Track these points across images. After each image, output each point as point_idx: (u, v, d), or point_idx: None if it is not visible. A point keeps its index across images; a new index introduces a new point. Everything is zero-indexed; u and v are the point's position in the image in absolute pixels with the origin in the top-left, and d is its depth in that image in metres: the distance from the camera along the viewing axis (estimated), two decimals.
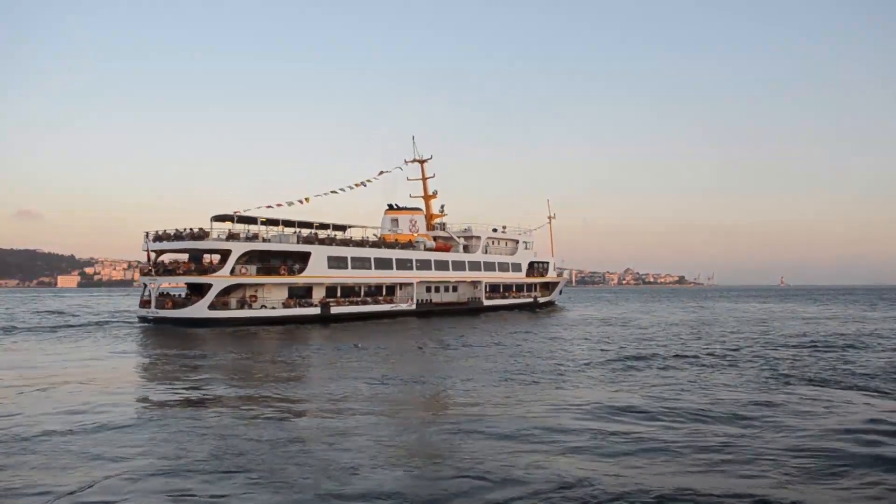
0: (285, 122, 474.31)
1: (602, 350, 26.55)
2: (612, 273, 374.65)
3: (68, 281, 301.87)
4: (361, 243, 49.05)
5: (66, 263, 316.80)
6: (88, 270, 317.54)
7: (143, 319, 41.70)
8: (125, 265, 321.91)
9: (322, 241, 46.00)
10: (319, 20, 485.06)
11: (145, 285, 42.56)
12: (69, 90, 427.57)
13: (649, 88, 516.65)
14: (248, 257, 41.34)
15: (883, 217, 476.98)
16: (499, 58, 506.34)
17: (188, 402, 15.06)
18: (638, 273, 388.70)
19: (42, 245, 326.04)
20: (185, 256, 43.95)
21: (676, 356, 23.97)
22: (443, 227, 60.08)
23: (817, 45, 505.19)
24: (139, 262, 45.09)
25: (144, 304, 41.72)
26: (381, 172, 55.50)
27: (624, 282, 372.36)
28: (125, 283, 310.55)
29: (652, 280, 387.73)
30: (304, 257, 43.85)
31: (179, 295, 42.49)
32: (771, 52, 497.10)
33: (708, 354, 24.63)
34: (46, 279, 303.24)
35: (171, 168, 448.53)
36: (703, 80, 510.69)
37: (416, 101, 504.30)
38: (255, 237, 42.55)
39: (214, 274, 40.06)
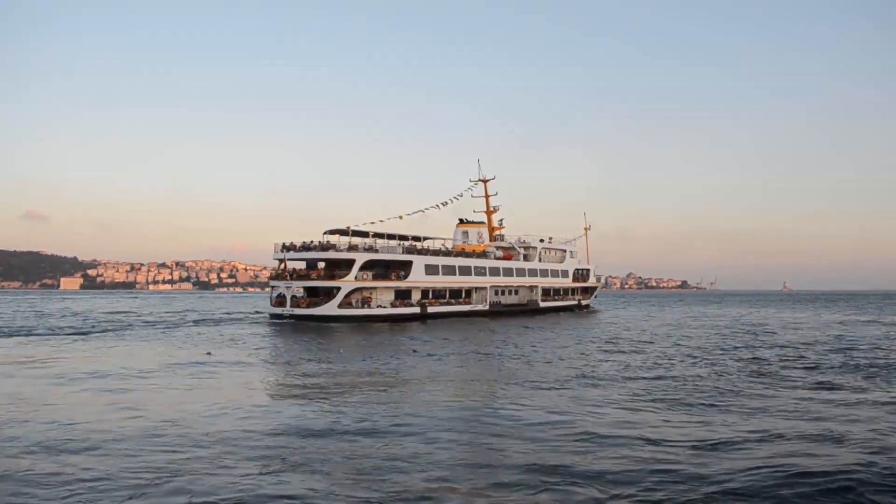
0: (292, 127, 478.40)
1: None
2: (614, 277, 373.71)
3: (71, 283, 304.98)
4: (448, 253, 57.51)
5: (69, 265, 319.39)
6: (91, 272, 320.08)
7: (275, 317, 49.03)
8: (127, 267, 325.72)
9: (420, 252, 54.32)
10: (320, 24, 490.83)
11: (273, 287, 50.86)
12: (75, 92, 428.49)
13: (652, 94, 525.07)
14: (366, 265, 49.47)
15: (887, 221, 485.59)
16: (508, 67, 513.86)
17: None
18: (640, 277, 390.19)
19: (45, 247, 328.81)
20: (301, 264, 51.98)
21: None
22: (502, 238, 68.59)
23: (820, 49, 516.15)
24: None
25: (278, 303, 49.49)
26: (461, 194, 64.71)
27: (626, 286, 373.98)
28: (127, 286, 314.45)
29: (654, 284, 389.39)
30: (406, 265, 52.08)
31: (303, 296, 50.31)
32: (776, 59, 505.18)
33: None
34: (49, 281, 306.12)
35: (176, 170, 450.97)
36: (707, 86, 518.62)
37: (418, 104, 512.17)
38: (370, 248, 50.69)
39: (343, 279, 48.08)
